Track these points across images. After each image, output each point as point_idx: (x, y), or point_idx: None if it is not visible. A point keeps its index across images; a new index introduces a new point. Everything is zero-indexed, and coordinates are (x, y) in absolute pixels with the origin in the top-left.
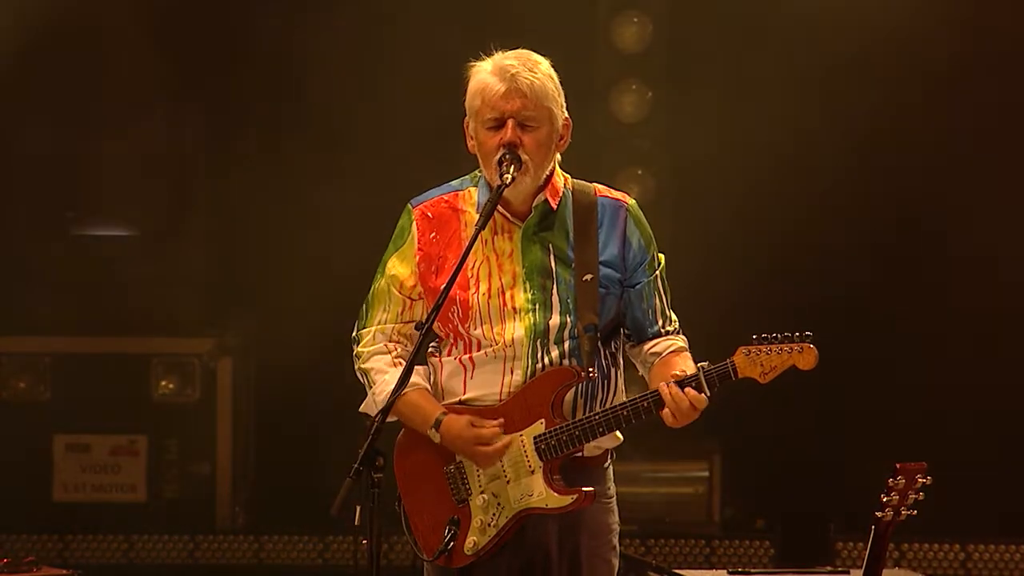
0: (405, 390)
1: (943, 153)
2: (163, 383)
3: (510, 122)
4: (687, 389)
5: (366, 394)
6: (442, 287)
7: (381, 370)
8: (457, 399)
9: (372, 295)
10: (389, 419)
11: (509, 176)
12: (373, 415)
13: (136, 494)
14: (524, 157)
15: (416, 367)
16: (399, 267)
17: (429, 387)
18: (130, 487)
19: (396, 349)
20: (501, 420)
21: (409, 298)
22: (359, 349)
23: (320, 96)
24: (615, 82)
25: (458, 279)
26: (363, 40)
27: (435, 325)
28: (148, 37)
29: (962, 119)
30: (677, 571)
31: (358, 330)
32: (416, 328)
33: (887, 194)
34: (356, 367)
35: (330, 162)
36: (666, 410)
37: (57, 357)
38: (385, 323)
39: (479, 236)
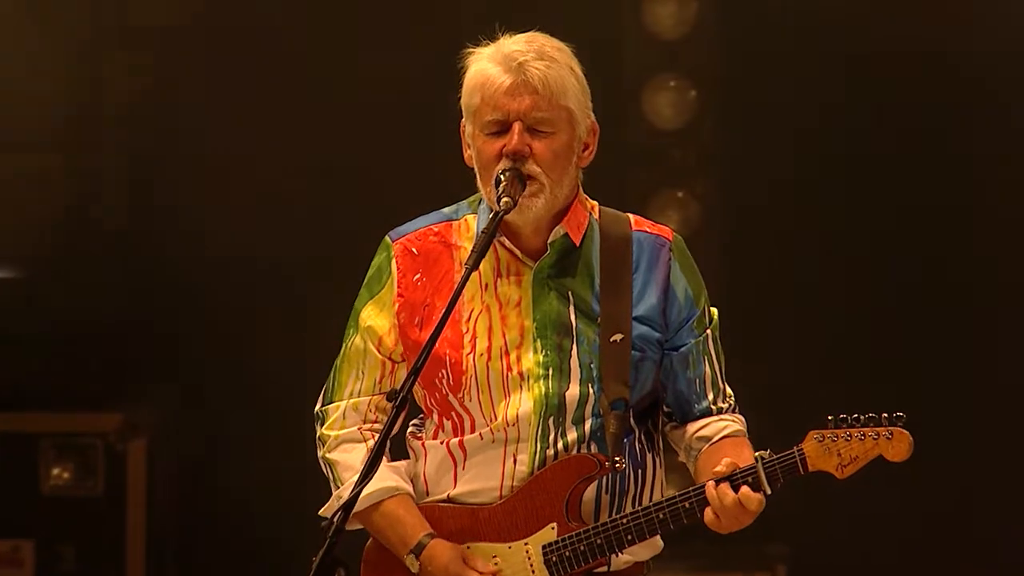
0: (384, 496)
1: None
2: (56, 472)
3: (517, 125)
4: (741, 487)
5: (326, 486)
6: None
7: (351, 466)
8: (445, 495)
9: (342, 357)
10: (356, 527)
11: (509, 200)
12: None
13: None
14: (534, 171)
15: (396, 463)
16: (376, 318)
17: (413, 492)
18: None
19: (374, 437)
20: (500, 570)
21: (390, 359)
22: (324, 431)
23: (273, 102)
24: (649, 78)
25: (450, 336)
26: (345, 24)
27: (417, 392)
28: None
29: None
30: None
31: (323, 404)
32: (388, 399)
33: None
34: (319, 454)
35: (274, 185)
36: (709, 511)
37: None
38: (359, 395)
39: (479, 279)
